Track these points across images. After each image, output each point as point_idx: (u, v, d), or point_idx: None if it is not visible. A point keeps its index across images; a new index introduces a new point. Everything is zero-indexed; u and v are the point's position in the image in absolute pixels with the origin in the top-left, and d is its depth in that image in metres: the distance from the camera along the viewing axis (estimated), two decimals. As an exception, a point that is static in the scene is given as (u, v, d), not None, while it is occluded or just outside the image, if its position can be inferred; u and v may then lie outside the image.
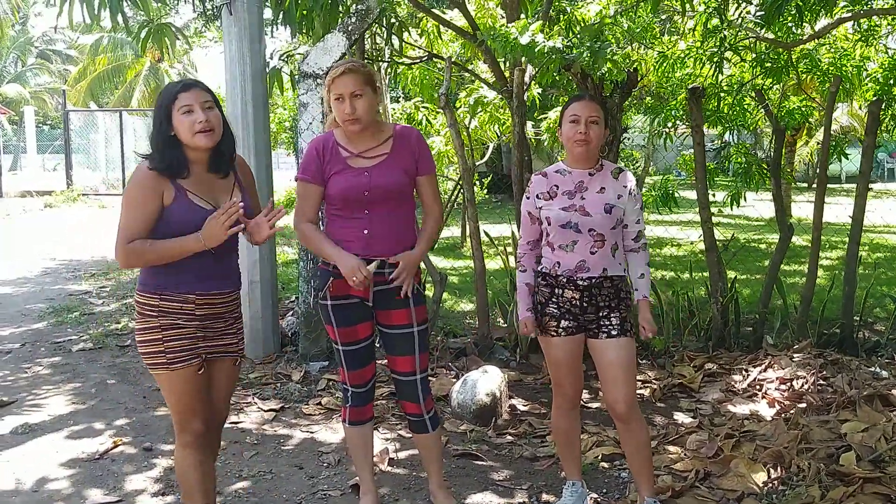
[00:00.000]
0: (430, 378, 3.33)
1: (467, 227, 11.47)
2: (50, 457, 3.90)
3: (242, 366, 5.25)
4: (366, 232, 2.97)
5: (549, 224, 3.01)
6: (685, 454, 3.79)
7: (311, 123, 5.19)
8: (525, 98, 5.56)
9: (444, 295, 6.06)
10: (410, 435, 4.09)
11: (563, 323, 3.04)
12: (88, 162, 21.40)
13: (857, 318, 5.49)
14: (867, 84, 7.14)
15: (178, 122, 2.60)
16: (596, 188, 3.01)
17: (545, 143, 11.26)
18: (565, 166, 3.06)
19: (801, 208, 12.74)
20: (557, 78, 6.99)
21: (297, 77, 5.34)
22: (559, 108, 8.35)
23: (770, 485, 3.39)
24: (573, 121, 2.98)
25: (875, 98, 5.50)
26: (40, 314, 6.93)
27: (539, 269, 3.12)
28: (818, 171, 5.42)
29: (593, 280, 3.00)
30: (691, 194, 16.82)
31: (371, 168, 2.98)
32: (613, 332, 3.02)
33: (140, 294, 2.69)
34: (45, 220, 14.68)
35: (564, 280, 3.02)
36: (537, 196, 3.05)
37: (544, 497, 3.46)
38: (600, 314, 3.03)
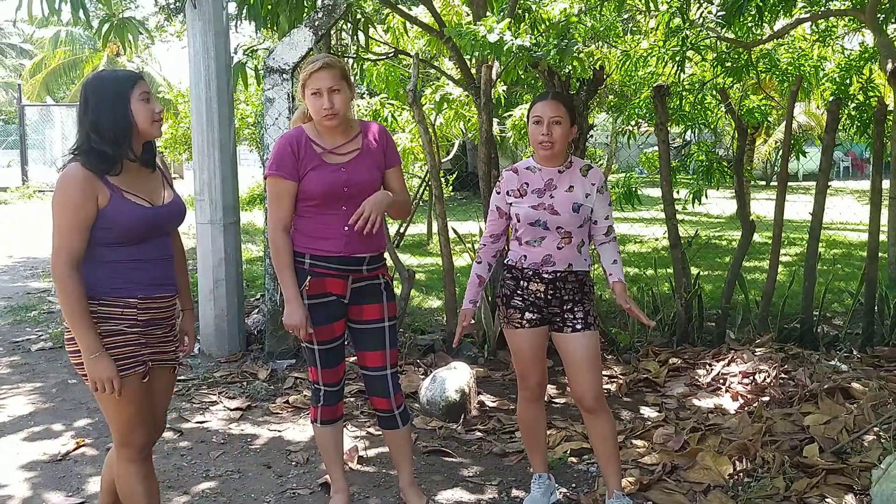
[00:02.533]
0: (399, 374, 3.31)
1: (433, 224, 11.49)
2: (10, 458, 3.82)
3: (208, 364, 5.24)
4: (346, 229, 2.94)
5: (519, 221, 3.04)
6: (652, 448, 3.83)
7: (276, 119, 5.14)
8: (492, 95, 5.56)
9: (412, 292, 6.05)
10: (379, 432, 4.10)
11: (528, 315, 3.07)
12: (44, 158, 20.95)
13: (816, 313, 5.60)
14: (824, 84, 7.31)
15: (139, 110, 2.48)
16: (565, 186, 3.03)
17: (510, 141, 11.30)
18: (535, 163, 3.07)
19: (760, 206, 12.96)
20: (522, 76, 7.03)
21: (262, 72, 5.29)
22: (524, 106, 8.41)
23: (736, 477, 3.45)
24: (536, 122, 2.99)
25: (834, 97, 5.61)
26: (-3, 313, 6.79)
27: (505, 261, 3.15)
28: (780, 168, 5.51)
29: (558, 273, 3.03)
30: (653, 192, 17.05)
31: (346, 164, 2.96)
32: (578, 326, 3.05)
33: None
34: (0, 218, 14.35)
35: (530, 273, 3.04)
36: (507, 192, 3.07)
37: (514, 492, 3.47)
38: (564, 307, 3.06)
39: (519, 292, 3.07)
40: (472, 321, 3.22)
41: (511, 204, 3.05)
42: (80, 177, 2.41)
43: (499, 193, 3.10)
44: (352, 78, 2.99)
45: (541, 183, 3.03)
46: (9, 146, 25.61)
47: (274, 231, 2.97)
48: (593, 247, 3.19)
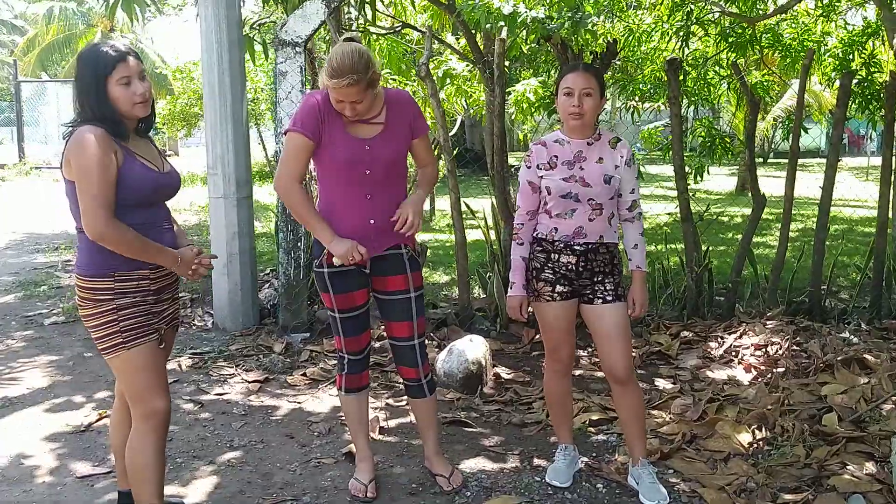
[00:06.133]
0: (426, 344, 3.33)
1: (440, 200, 11.49)
2: (33, 430, 3.84)
3: (223, 338, 5.26)
4: (372, 222, 2.94)
5: (549, 194, 3.03)
6: (671, 418, 3.88)
7: (289, 92, 5.12)
8: (504, 69, 5.55)
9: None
10: (398, 404, 4.15)
11: (559, 288, 3.07)
12: (39, 134, 20.82)
13: (824, 287, 5.64)
14: (826, 60, 7.32)
15: (117, 94, 2.49)
16: (595, 158, 3.03)
17: (513, 117, 11.25)
18: (563, 136, 3.07)
19: (760, 182, 12.97)
20: (525, 51, 7.00)
21: (273, 45, 5.25)
22: (525, 82, 8.41)
23: (756, 445, 3.50)
24: (567, 93, 2.97)
25: (847, 71, 5.61)
26: (7, 288, 6.77)
27: (535, 234, 3.12)
28: (791, 142, 5.53)
29: (590, 245, 3.04)
30: (652, 169, 16.97)
31: (371, 140, 2.91)
32: (609, 298, 3.06)
33: (88, 279, 2.53)
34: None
35: (561, 245, 3.04)
36: (538, 166, 3.06)
37: (536, 461, 3.51)
38: (595, 279, 3.07)
39: (549, 265, 3.06)
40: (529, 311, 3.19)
41: (542, 177, 3.04)
42: (98, 135, 2.44)
43: (529, 168, 3.07)
44: (377, 68, 2.87)
45: (570, 155, 3.02)
46: (3, 123, 25.43)
47: (287, 183, 2.88)
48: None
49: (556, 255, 3.05)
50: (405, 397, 3.57)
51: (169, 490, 3.26)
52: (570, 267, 3.04)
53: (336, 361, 3.27)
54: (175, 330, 2.84)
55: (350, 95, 2.79)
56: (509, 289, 3.15)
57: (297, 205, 2.91)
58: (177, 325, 2.84)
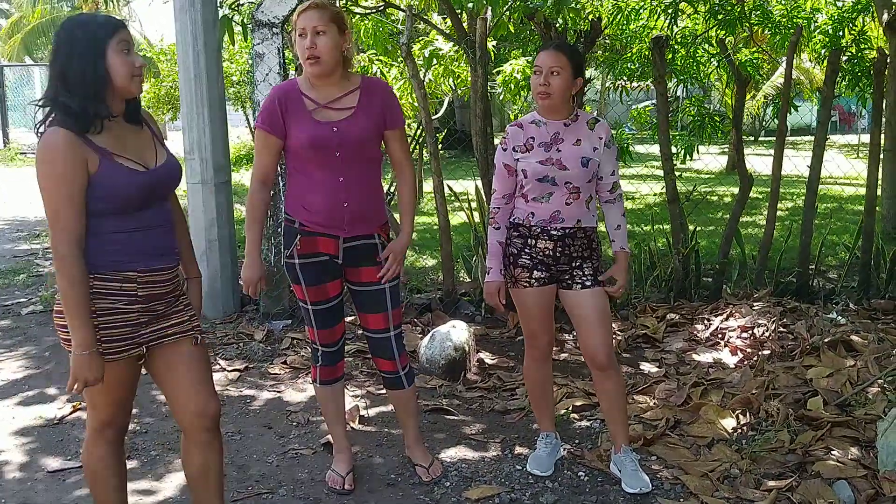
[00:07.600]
0: (403, 334, 3.25)
1: (425, 182, 11.35)
2: (5, 423, 3.76)
3: (202, 326, 5.17)
4: (346, 205, 2.85)
5: (526, 177, 2.95)
6: (654, 403, 3.82)
7: (267, 75, 5.02)
8: (487, 49, 5.45)
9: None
10: (379, 392, 4.08)
11: (536, 274, 3.00)
12: (24, 120, 20.57)
13: (812, 267, 5.59)
14: (816, 37, 7.24)
15: (117, 63, 2.16)
16: (572, 140, 2.94)
17: (499, 97, 11.15)
18: (540, 116, 2.98)
19: (750, 161, 12.91)
20: (512, 30, 6.89)
21: (250, 26, 5.14)
22: (514, 62, 8.31)
23: (740, 430, 3.45)
24: (536, 72, 2.90)
25: (835, 48, 5.54)
26: (-15, 277, 6.68)
27: (511, 219, 3.05)
28: (778, 121, 5.46)
29: (567, 230, 2.96)
30: (641, 148, 16.93)
31: (339, 122, 2.81)
32: (587, 283, 3.00)
33: None
34: (-18, 181, 14.11)
35: (538, 230, 2.97)
36: (514, 149, 2.97)
37: (517, 449, 3.45)
38: (573, 265, 3.00)
39: (527, 251, 2.99)
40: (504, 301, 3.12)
41: (518, 160, 2.96)
42: (64, 142, 2.11)
43: (505, 150, 2.99)
44: (348, 25, 2.82)
45: (547, 137, 2.94)
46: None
47: (252, 181, 2.93)
48: (599, 205, 3.12)
49: (533, 241, 2.98)
50: (385, 386, 3.50)
51: (142, 485, 3.22)
52: (547, 252, 2.97)
53: (310, 353, 3.19)
54: (195, 343, 2.43)
55: (313, 19, 2.73)
56: (486, 274, 3.08)
57: (251, 206, 2.92)
58: (194, 337, 2.43)
